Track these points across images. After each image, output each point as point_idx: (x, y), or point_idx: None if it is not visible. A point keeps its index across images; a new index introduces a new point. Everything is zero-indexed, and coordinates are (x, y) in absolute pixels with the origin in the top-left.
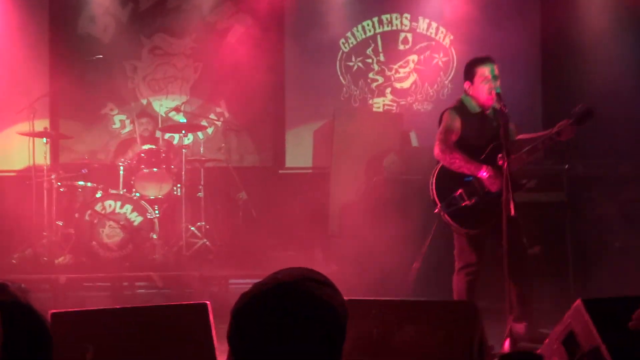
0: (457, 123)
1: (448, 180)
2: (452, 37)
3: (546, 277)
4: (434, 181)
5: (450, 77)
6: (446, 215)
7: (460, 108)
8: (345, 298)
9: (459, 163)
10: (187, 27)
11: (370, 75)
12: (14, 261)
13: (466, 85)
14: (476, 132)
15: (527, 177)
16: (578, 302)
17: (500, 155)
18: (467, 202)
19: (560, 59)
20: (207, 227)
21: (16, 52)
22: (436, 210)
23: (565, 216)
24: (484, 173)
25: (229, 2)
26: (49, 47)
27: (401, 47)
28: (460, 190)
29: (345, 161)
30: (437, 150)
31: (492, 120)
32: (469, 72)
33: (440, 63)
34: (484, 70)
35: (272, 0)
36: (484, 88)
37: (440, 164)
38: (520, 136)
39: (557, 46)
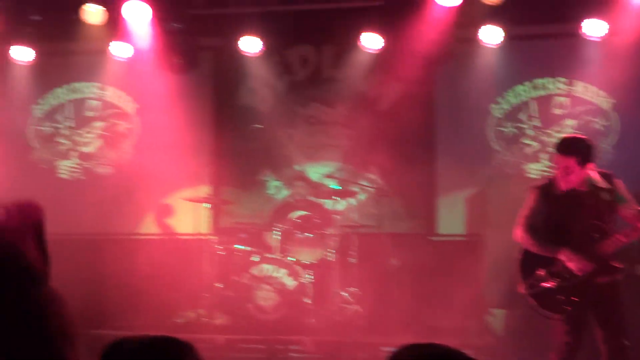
0: (539, 202)
1: (533, 258)
2: (614, 101)
3: None
4: (519, 257)
5: (613, 142)
6: (530, 297)
7: (547, 186)
8: None
9: (532, 247)
10: (340, 97)
11: (524, 140)
12: (179, 321)
13: (570, 161)
14: (567, 210)
15: None
16: None
17: (596, 236)
18: (549, 284)
19: None
20: (359, 292)
21: (183, 123)
22: (519, 289)
23: None
24: (562, 255)
25: (380, 71)
26: (212, 117)
27: (557, 111)
28: (542, 270)
29: (500, 229)
30: (515, 234)
31: (587, 196)
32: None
33: (600, 128)
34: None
35: (424, 67)
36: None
37: None
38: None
39: None
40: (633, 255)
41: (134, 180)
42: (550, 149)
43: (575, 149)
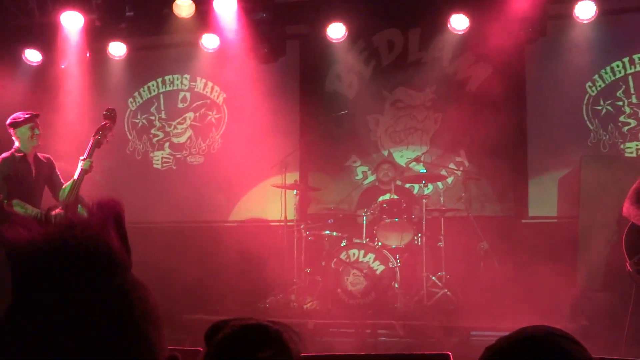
0: None
1: (638, 236)
2: None
3: None
4: (623, 237)
5: None
6: (636, 275)
7: None
8: (595, 356)
9: None
10: (427, 80)
11: (621, 118)
12: (267, 305)
13: None
14: None
15: None
16: None
17: None
18: None
19: None
20: (448, 276)
21: (271, 110)
22: (627, 268)
23: None
24: None
25: (468, 52)
26: (299, 104)
27: None
28: None
29: (595, 210)
30: (624, 208)
31: None
32: None
33: None
34: None
35: (513, 47)
36: None
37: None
38: None
39: None
40: None
41: (224, 168)
42: None
43: None
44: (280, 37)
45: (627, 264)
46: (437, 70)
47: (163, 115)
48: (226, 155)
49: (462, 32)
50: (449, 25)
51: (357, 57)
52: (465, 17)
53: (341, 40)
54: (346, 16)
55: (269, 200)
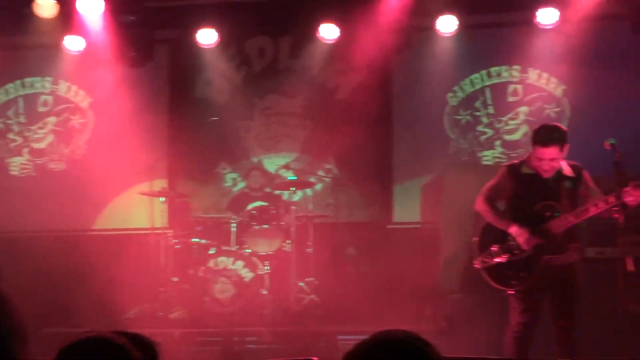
0: (505, 181)
1: (491, 235)
2: (565, 87)
3: None
4: (478, 234)
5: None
6: (483, 272)
7: (516, 167)
8: (455, 355)
9: (489, 217)
10: (297, 87)
11: (479, 128)
12: (132, 316)
13: (533, 146)
14: (528, 191)
15: None
16: None
17: (547, 214)
18: (500, 259)
19: None
20: (316, 282)
21: (137, 116)
22: (475, 265)
23: None
24: (512, 229)
25: (337, 61)
26: (168, 110)
27: (511, 99)
28: (495, 246)
29: (455, 216)
30: (476, 202)
31: (550, 181)
32: (533, 141)
33: (552, 114)
34: (541, 153)
35: (381, 57)
36: (537, 164)
37: None
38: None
39: None
40: (585, 238)
41: (88, 175)
42: (506, 136)
43: (559, 138)
44: (149, 41)
45: (475, 261)
46: (308, 78)
47: (22, 120)
48: (91, 161)
49: (332, 42)
50: (318, 34)
51: (228, 63)
52: (336, 26)
53: (212, 46)
54: (217, 22)
55: (135, 208)
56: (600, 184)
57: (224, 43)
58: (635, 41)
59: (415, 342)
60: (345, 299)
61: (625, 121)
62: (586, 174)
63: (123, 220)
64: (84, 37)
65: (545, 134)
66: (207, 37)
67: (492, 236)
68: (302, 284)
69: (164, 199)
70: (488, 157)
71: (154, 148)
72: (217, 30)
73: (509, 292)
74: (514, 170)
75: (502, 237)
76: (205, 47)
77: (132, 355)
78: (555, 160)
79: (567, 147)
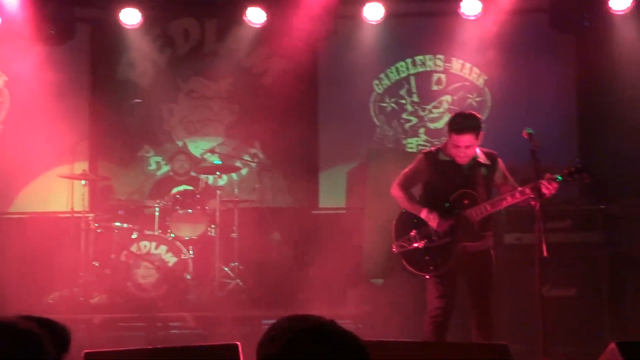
0: (422, 167)
1: (407, 221)
2: (486, 78)
3: (581, 321)
4: (394, 221)
5: (485, 117)
6: (400, 257)
7: (433, 154)
8: (377, 339)
9: (402, 202)
10: (223, 71)
11: (404, 115)
12: (50, 301)
13: (448, 134)
14: (444, 178)
15: (562, 217)
16: (612, 344)
17: (466, 202)
18: (417, 244)
19: (596, 98)
20: (241, 267)
21: (57, 96)
22: (393, 249)
23: (601, 257)
24: (422, 213)
25: (264, 46)
26: (89, 91)
27: (435, 87)
28: (414, 231)
29: (379, 202)
30: (392, 188)
31: (466, 168)
32: (449, 128)
33: (474, 103)
34: (457, 140)
35: (307, 43)
36: (453, 151)
37: None
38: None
39: (593, 85)
40: (504, 224)
41: (3, 157)
42: (430, 124)
43: (474, 125)
44: (70, 18)
45: (393, 246)
46: (234, 62)
47: None
48: (7, 142)
49: (259, 26)
50: (245, 18)
51: (152, 44)
52: (262, 10)
53: (135, 26)
54: (141, 1)
55: (54, 191)
56: (518, 172)
57: (147, 24)
58: (552, 34)
59: (329, 325)
60: (269, 284)
61: (542, 111)
62: (501, 162)
63: (42, 204)
64: None
65: (461, 122)
66: (130, 16)
67: (410, 222)
68: (227, 268)
69: (85, 182)
70: (412, 144)
71: (75, 130)
72: (140, 10)
73: (426, 277)
74: (430, 157)
75: (420, 223)
76: (129, 27)
77: (39, 340)
78: (471, 148)
79: (482, 135)
